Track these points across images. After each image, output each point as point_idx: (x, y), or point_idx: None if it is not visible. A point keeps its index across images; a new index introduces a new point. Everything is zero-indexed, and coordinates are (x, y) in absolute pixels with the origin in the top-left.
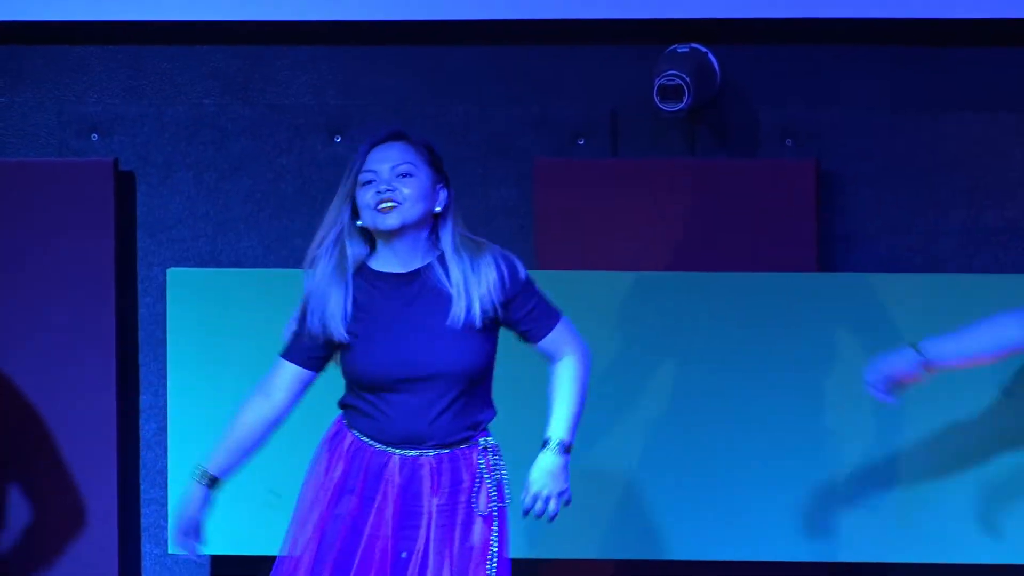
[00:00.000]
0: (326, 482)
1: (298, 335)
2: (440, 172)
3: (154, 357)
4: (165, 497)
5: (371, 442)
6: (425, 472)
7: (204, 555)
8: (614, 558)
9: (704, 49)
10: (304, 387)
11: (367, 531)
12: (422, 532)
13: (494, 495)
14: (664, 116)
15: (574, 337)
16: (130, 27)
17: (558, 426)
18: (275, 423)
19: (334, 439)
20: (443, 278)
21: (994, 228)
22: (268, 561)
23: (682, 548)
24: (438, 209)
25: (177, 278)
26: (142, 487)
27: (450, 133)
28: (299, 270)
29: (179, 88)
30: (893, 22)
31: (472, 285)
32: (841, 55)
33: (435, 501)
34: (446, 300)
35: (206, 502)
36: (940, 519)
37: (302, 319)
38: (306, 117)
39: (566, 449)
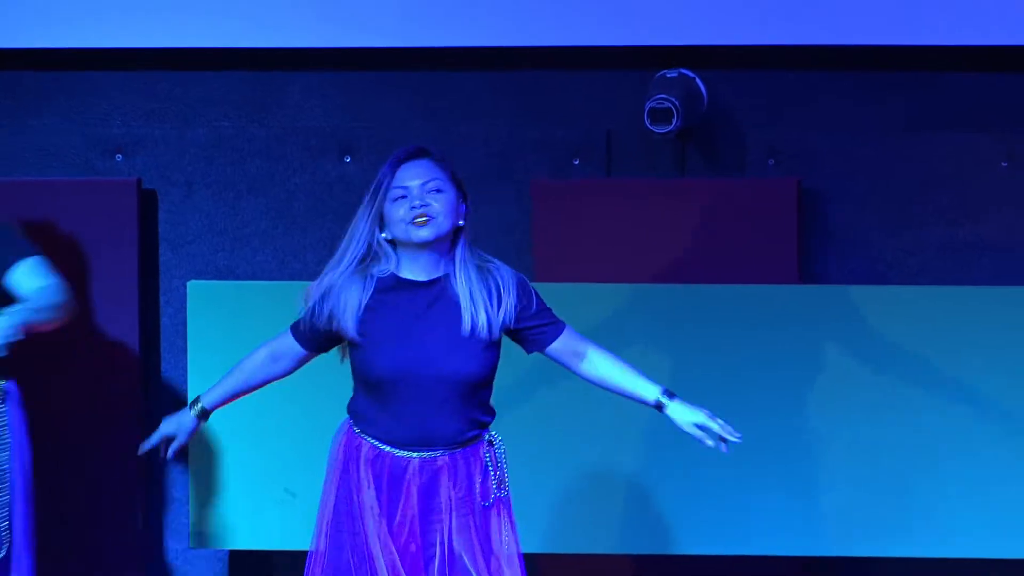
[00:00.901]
0: (353, 490)
1: (310, 319)
2: (461, 188)
3: (175, 365)
4: (186, 497)
5: (387, 447)
6: (443, 471)
7: (223, 550)
8: (590, 552)
9: (692, 74)
10: (304, 363)
11: (394, 532)
12: (444, 524)
13: (493, 486)
14: (655, 138)
15: (583, 336)
16: (152, 54)
17: (651, 386)
18: (270, 383)
19: (348, 446)
20: (458, 289)
21: (967, 244)
22: (283, 556)
23: (673, 543)
24: (461, 223)
25: (197, 290)
26: (165, 488)
27: (453, 154)
28: (312, 282)
29: (198, 112)
30: (871, 49)
31: (479, 297)
32: (822, 80)
33: (454, 494)
34: (458, 309)
35: (193, 430)
36: (917, 520)
37: (315, 308)
38: (318, 139)
39: (670, 394)
